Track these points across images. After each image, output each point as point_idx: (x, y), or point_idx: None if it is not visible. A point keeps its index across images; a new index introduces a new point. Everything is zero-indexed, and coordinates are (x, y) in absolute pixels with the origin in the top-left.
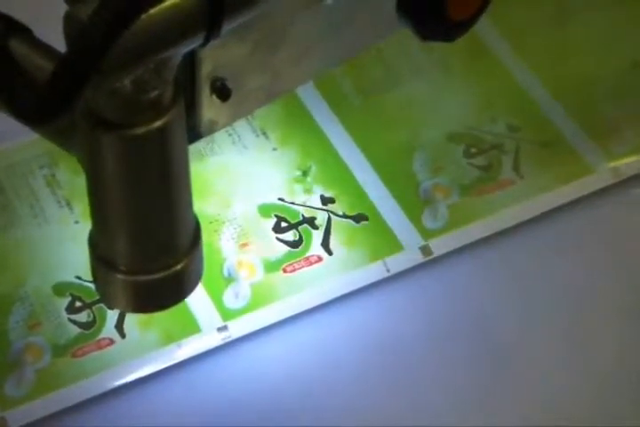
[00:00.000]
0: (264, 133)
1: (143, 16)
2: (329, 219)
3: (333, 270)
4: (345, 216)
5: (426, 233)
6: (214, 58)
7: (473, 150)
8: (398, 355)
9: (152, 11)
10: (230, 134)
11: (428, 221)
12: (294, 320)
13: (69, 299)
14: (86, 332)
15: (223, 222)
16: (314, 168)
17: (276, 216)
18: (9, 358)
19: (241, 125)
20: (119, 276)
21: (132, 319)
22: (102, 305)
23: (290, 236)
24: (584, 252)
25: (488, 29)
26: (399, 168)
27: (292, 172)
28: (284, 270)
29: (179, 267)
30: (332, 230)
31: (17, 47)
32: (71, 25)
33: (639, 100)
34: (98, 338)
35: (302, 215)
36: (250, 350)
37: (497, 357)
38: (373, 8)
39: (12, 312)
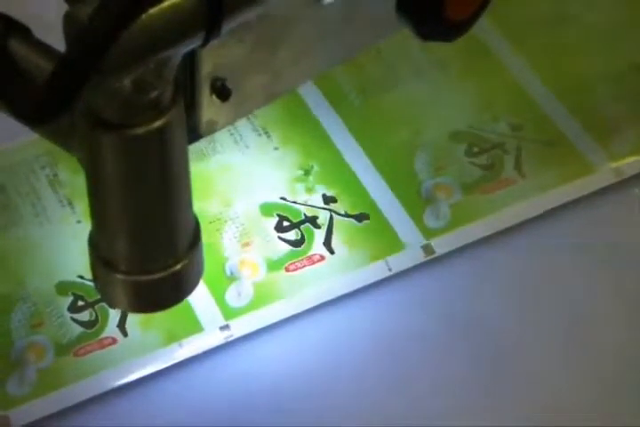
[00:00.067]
0: (266, 133)
1: (143, 16)
2: (331, 218)
3: (335, 269)
4: (347, 215)
5: (428, 232)
6: (214, 58)
7: (475, 149)
8: (399, 354)
9: (152, 11)
10: (232, 134)
11: (429, 221)
12: (296, 319)
13: (72, 298)
14: (88, 331)
15: (225, 222)
16: (315, 167)
17: (278, 215)
18: (12, 357)
19: (243, 125)
20: (119, 276)
21: (134, 318)
22: (104, 304)
23: (292, 235)
24: (585, 251)
25: (488, 29)
26: (401, 167)
27: (293, 171)
28: (287, 269)
29: (179, 267)
30: (334, 229)
31: (16, 47)
32: (71, 25)
33: (638, 100)
34: (100, 337)
35: (304, 214)
36: (252, 349)
37: (498, 356)
38: (373, 8)
39: (15, 311)
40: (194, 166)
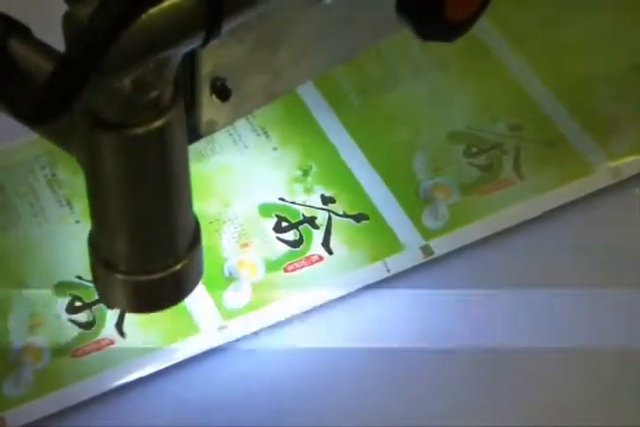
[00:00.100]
0: (265, 133)
1: (143, 16)
2: (329, 218)
3: (334, 270)
4: (345, 216)
5: (426, 233)
6: (214, 58)
7: (473, 150)
8: (398, 355)
9: (151, 11)
10: (231, 134)
11: (428, 221)
12: (295, 320)
13: (69, 299)
14: (86, 332)
15: (224, 222)
16: (314, 168)
17: (277, 216)
18: (9, 358)
19: (241, 125)
20: (119, 276)
21: (132, 319)
22: (102, 305)
23: (290, 235)
24: (584, 252)
25: (488, 29)
26: (399, 168)
27: (292, 171)
28: (285, 270)
29: (178, 267)
30: (333, 230)
31: (16, 47)
32: (71, 25)
33: (638, 100)
34: (98, 338)
35: (303, 215)
36: (250, 350)
37: (498, 356)
38: (373, 8)
39: (12, 312)
40: (192, 167)
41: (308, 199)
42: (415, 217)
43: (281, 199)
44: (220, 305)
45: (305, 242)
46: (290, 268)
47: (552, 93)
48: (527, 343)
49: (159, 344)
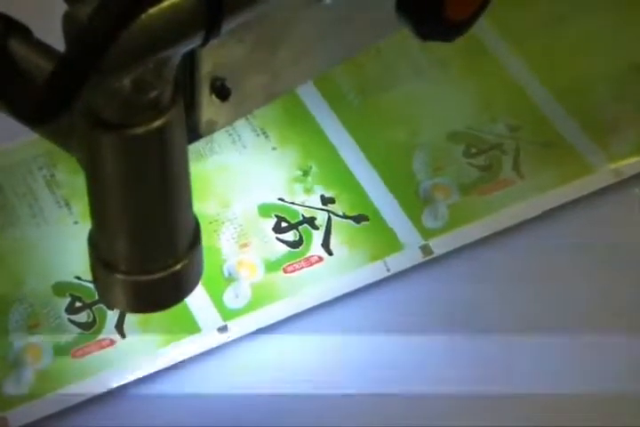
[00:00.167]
0: (264, 133)
1: (142, 16)
2: (329, 219)
3: (334, 270)
4: (345, 216)
5: (426, 233)
6: (214, 57)
7: (473, 150)
8: (398, 355)
9: (151, 11)
10: (230, 134)
11: (428, 221)
12: (294, 320)
13: (69, 299)
14: (86, 332)
15: (223, 222)
16: (314, 168)
17: (276, 216)
18: (9, 358)
19: (241, 125)
20: (119, 276)
21: (132, 319)
22: (102, 305)
23: (290, 236)
24: (584, 252)
25: (487, 30)
26: (399, 168)
27: (292, 171)
28: (285, 270)
29: (178, 267)
30: (333, 230)
31: (16, 47)
32: (70, 25)
33: (638, 100)
34: (98, 338)
35: (302, 215)
36: (250, 351)
37: (497, 356)
38: (373, 8)
39: (12, 312)
40: (191, 167)
41: (307, 200)
42: (415, 217)
43: (280, 199)
44: (219, 306)
45: (304, 243)
46: (289, 268)
47: (551, 94)
48: (527, 344)
49: (159, 345)
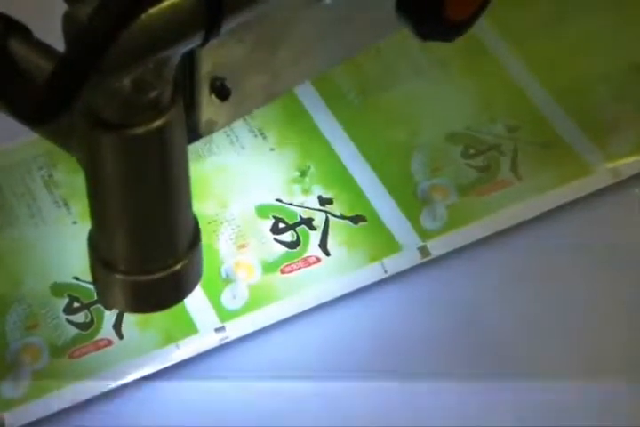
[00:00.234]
0: (262, 134)
1: (142, 16)
2: (326, 220)
3: (331, 271)
4: (343, 217)
5: (424, 234)
6: (213, 57)
7: (471, 151)
8: (396, 356)
9: (151, 11)
10: (228, 135)
11: (426, 222)
12: (292, 321)
13: (67, 300)
14: (84, 333)
15: (221, 223)
16: (312, 169)
17: (274, 217)
18: (7, 358)
19: (239, 126)
20: (118, 276)
21: (129, 320)
22: (100, 306)
23: (287, 237)
24: (583, 252)
25: (487, 30)
26: (397, 168)
27: (290, 172)
28: (282, 271)
29: (178, 267)
30: (330, 231)
31: (16, 47)
32: (70, 25)
33: (638, 100)
34: (96, 339)
35: (300, 216)
36: (247, 351)
37: (497, 356)
38: (373, 8)
39: (10, 313)
40: (189, 167)
41: (305, 200)
42: (413, 218)
43: (278, 200)
44: (216, 307)
45: (302, 243)
46: (287, 269)
47: (550, 94)
48: (526, 343)
49: (156, 345)
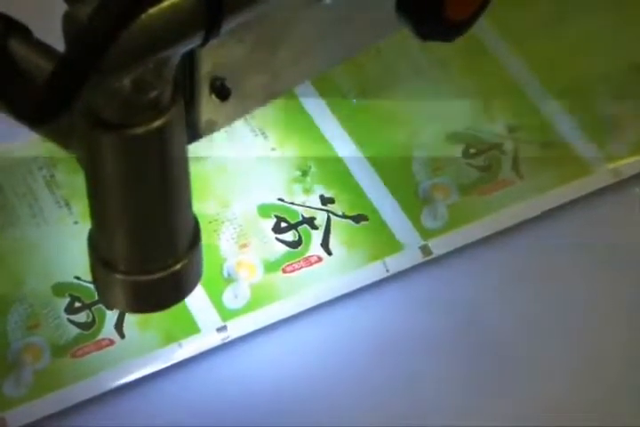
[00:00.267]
0: (263, 133)
1: (142, 16)
2: (328, 219)
3: (333, 271)
4: (344, 216)
5: (425, 233)
6: (213, 57)
7: (472, 151)
8: (398, 355)
9: (151, 11)
10: (229, 134)
11: (427, 221)
12: (294, 320)
13: (68, 299)
14: (85, 332)
15: (222, 223)
16: (313, 168)
17: (276, 216)
18: (8, 358)
19: (240, 125)
20: (119, 276)
21: (131, 320)
22: (101, 306)
23: (289, 236)
24: (584, 252)
25: (487, 30)
26: (398, 168)
27: (291, 172)
28: (284, 271)
29: (178, 267)
30: (332, 231)
31: (16, 47)
32: (70, 25)
33: (638, 100)
34: (97, 338)
35: (302, 215)
36: (249, 351)
37: (497, 356)
38: (373, 8)
39: (11, 313)
40: (190, 167)
41: (307, 200)
42: (414, 217)
43: (280, 200)
44: (218, 306)
45: (304, 243)
46: (289, 269)
47: (551, 94)
48: (527, 342)
49: (158, 345)
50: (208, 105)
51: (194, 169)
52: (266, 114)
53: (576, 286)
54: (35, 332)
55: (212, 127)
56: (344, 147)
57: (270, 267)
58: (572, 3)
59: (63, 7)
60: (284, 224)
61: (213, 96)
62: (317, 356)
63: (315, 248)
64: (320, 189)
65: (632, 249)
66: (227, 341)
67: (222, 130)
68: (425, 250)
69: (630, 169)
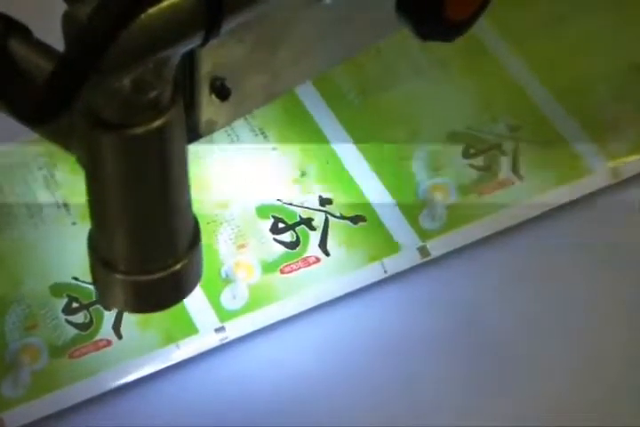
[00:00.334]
0: (263, 133)
1: (142, 16)
2: (326, 220)
3: (331, 271)
4: (342, 217)
5: (423, 234)
6: (213, 57)
7: (472, 151)
8: (396, 356)
9: (151, 10)
10: (229, 134)
11: (425, 222)
12: (292, 321)
13: (66, 300)
14: (83, 333)
15: (221, 223)
16: (312, 168)
17: (274, 217)
18: (6, 359)
19: (239, 125)
20: (118, 276)
21: (129, 320)
22: (99, 306)
23: (287, 237)
24: (584, 252)
25: (487, 30)
26: (398, 168)
27: (290, 172)
28: (282, 271)
29: (178, 267)
30: (330, 231)
31: (16, 47)
32: (70, 24)
33: (638, 100)
34: (95, 339)
35: (299, 216)
36: (247, 351)
37: (497, 356)
38: (373, 8)
39: (9, 313)
40: (189, 167)
41: (305, 200)
42: (413, 218)
43: (278, 200)
44: (216, 307)
45: (302, 243)
46: (286, 269)
47: (551, 94)
48: (526, 343)
49: (156, 345)
50: (208, 105)
51: (192, 169)
52: (266, 114)
53: (576, 286)
54: (32, 332)
55: (212, 127)
56: (344, 147)
57: (268, 267)
58: (571, 3)
59: (63, 7)
60: (281, 225)
61: (213, 96)
62: (316, 356)
63: (313, 249)
64: (319, 190)
65: (632, 249)
66: (225, 341)
67: (222, 130)
68: (423, 251)
69: (630, 169)
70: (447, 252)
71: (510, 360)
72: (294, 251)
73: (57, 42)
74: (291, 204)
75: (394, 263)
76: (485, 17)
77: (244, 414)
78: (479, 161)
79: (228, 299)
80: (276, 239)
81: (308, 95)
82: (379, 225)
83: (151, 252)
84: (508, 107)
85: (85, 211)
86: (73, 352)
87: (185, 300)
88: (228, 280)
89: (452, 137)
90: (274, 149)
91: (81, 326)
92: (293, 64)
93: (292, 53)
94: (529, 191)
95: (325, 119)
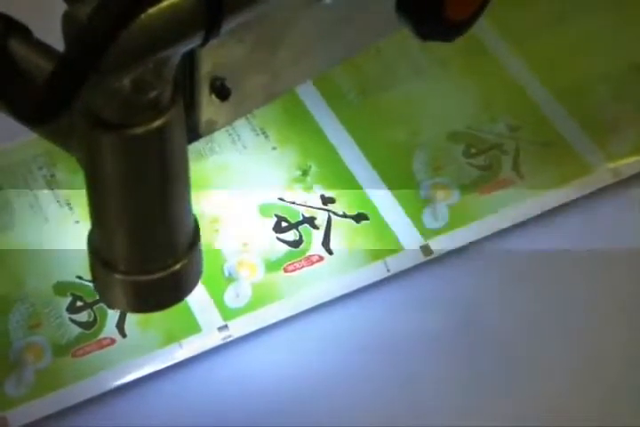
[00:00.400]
0: (264, 133)
1: (142, 16)
2: (329, 219)
3: (334, 270)
4: (345, 216)
5: (426, 233)
6: (213, 57)
7: (473, 150)
8: (399, 355)
9: (151, 10)
10: (230, 134)
11: (428, 221)
12: (295, 320)
13: (70, 299)
14: (87, 332)
15: (223, 222)
16: (314, 167)
17: (277, 216)
18: (9, 357)
19: (240, 125)
20: (118, 276)
21: (132, 319)
22: (103, 305)
23: (290, 235)
24: (584, 252)
25: (487, 30)
26: (399, 167)
27: (291, 171)
28: (285, 270)
29: (178, 267)
30: (333, 230)
31: (16, 47)
32: (70, 24)
33: (638, 100)
34: (99, 338)
35: (302, 215)
36: (250, 350)
37: (497, 356)
38: (373, 8)
39: (13, 312)
40: (191, 167)
41: (307, 199)
42: (415, 217)
43: (280, 199)
44: (219, 305)
45: (305, 242)
46: (290, 268)
47: (551, 94)
48: (528, 342)
49: (159, 344)
50: (208, 105)
51: (194, 168)
52: (267, 113)
53: (576, 286)
54: (36, 331)
55: (212, 127)
56: (344, 146)
57: (271, 266)
58: (571, 3)
59: (63, 7)
60: (284, 224)
61: (213, 96)
62: (318, 355)
63: (316, 248)
64: (320, 189)
65: (632, 249)
66: (228, 340)
67: (223, 129)
68: (426, 250)
69: (630, 169)
70: (449, 251)
71: (510, 360)
72: (297, 249)
73: (57, 42)
74: (293, 202)
75: (397, 262)
76: (485, 17)
77: (246, 414)
78: (480, 161)
79: (231, 297)
80: (279, 238)
81: (309, 95)
82: (381, 224)
83: (151, 252)
84: (508, 107)
85: (88, 210)
86: (76, 351)
87: (188, 298)
88: (231, 279)
89: (453, 137)
90: (274, 148)
91: (85, 325)
92: (293, 64)
93: (292, 53)
94: (529, 191)
95: (326, 119)
